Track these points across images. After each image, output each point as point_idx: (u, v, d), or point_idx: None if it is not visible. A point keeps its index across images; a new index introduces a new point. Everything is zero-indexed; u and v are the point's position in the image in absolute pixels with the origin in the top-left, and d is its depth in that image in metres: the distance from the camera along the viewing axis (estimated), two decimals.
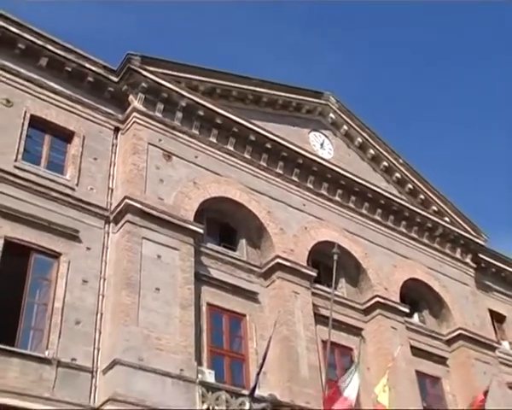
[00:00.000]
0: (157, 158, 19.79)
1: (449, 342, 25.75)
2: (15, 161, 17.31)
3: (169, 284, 17.97)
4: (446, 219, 27.80)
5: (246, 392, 17.98)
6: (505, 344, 28.92)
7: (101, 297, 17.28)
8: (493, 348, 26.65)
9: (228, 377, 18.94)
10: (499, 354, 27.28)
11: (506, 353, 28.32)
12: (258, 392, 17.92)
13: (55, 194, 17.57)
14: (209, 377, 17.75)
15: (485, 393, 22.70)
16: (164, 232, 18.52)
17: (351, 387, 19.33)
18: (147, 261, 17.85)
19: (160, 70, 20.53)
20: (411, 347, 23.86)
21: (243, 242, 21.70)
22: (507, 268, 30.56)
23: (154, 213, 18.50)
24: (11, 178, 16.88)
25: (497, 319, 29.81)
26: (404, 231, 26.30)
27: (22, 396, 14.41)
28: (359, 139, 26.67)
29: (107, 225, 18.39)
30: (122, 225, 18.17)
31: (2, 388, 14.25)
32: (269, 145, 22.56)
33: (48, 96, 18.91)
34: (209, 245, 20.34)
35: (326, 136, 25.90)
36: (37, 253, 16.75)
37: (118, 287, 17.23)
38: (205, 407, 16.95)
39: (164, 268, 18.11)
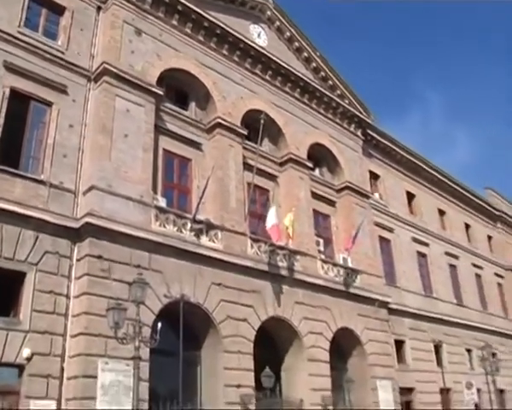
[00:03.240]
0: (130, 33, 19.32)
1: (338, 191, 26.88)
2: (19, 27, 16.72)
3: (135, 132, 18.12)
4: (346, 101, 28.19)
5: (189, 215, 18.88)
6: (376, 195, 30.40)
7: (82, 138, 17.38)
8: (368, 197, 28.03)
9: (176, 204, 19.59)
10: (372, 202, 28.76)
11: (376, 201, 29.87)
12: (197, 216, 18.83)
13: (49, 56, 17.19)
14: (162, 202, 18.34)
15: (359, 227, 24.60)
16: (132, 92, 18.45)
17: (271, 217, 20.59)
18: (118, 114, 17.88)
19: None
20: (312, 192, 24.92)
21: (193, 104, 21.73)
22: (384, 141, 31.64)
23: (126, 76, 18.36)
24: (15, 40, 16.44)
25: (374, 177, 31.09)
26: (314, 107, 26.64)
27: (25, 206, 14.97)
28: (288, 33, 26.35)
29: (89, 83, 18.15)
30: (100, 84, 18.01)
31: (11, 199, 14.80)
32: (218, 31, 22.25)
33: None
34: (167, 105, 20.35)
35: (263, 28, 25.47)
36: (34, 101, 16.63)
37: (95, 132, 17.35)
38: (158, 223, 17.71)
39: (131, 120, 18.17)
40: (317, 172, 26.76)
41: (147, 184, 17.92)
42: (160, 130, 19.61)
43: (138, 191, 17.44)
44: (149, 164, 18.34)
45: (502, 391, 34.35)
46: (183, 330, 15.39)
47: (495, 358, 31.86)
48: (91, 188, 16.35)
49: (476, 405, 30.33)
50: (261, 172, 22.91)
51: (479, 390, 29.41)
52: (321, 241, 24.60)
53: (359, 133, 29.31)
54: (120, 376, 14.79)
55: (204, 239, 18.97)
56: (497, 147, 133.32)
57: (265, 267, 20.52)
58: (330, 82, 27.78)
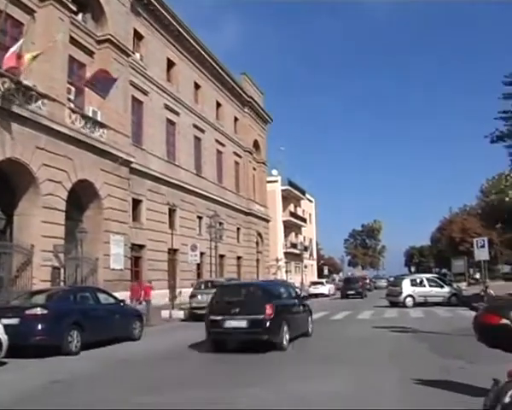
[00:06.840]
0: None
1: (99, 43, 26.21)
2: None
3: None
4: None
5: None
6: (137, 55, 30.36)
7: None
8: (128, 55, 27.89)
9: None
10: (131, 61, 28.70)
11: (136, 61, 29.92)
12: None
13: None
14: None
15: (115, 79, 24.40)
16: None
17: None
18: None
19: None
20: (71, 37, 23.76)
21: None
22: (155, 3, 31.52)
23: None
24: None
25: (138, 37, 30.95)
26: None
27: None
28: None
29: None
30: None
31: None
32: None
33: None
34: None
35: None
36: None
37: None
38: None
39: None
40: (80, 17, 25.48)
41: None
42: None
43: None
44: None
45: (222, 256, 39.25)
46: None
47: (221, 227, 36.01)
48: None
49: (198, 265, 34.22)
50: (17, 2, 21.08)
51: (202, 254, 32.99)
52: (73, 89, 24.05)
53: None
54: None
55: None
56: (260, 37, 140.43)
57: (7, 106, 19.45)
58: None
